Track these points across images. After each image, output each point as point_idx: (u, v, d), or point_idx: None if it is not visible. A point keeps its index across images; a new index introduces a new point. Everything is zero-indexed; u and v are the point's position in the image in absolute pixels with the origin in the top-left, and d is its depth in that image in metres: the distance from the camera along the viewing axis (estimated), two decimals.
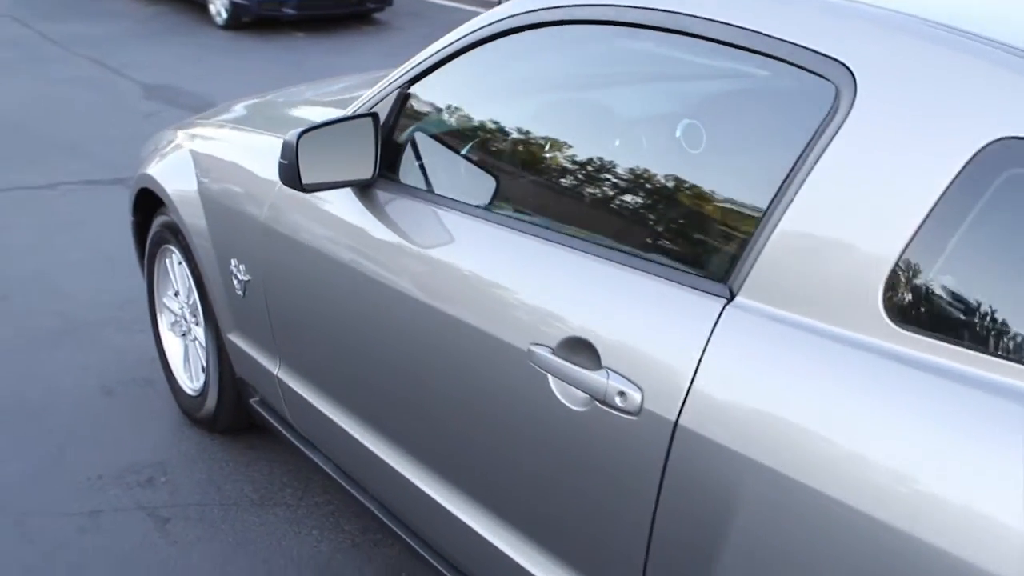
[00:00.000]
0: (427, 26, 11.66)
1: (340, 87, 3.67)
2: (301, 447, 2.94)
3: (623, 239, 1.95)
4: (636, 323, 1.78)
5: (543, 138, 2.28)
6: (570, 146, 2.21)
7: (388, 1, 12.23)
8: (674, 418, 1.67)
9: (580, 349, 1.84)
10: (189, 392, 3.58)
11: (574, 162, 2.18)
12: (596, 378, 1.79)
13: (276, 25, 11.67)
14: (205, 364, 3.41)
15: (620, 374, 1.76)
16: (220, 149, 3.17)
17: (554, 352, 1.88)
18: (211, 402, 3.40)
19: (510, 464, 2.06)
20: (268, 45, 10.88)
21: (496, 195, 2.29)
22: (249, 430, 3.50)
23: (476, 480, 2.19)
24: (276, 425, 3.07)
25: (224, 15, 11.66)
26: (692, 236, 1.88)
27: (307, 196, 2.61)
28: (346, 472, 2.76)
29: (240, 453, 3.45)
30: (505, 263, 2.08)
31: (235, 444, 3.50)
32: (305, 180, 2.36)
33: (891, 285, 1.50)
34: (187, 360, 3.63)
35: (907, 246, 1.49)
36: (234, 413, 3.39)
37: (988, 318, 1.43)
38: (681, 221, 1.91)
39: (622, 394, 1.74)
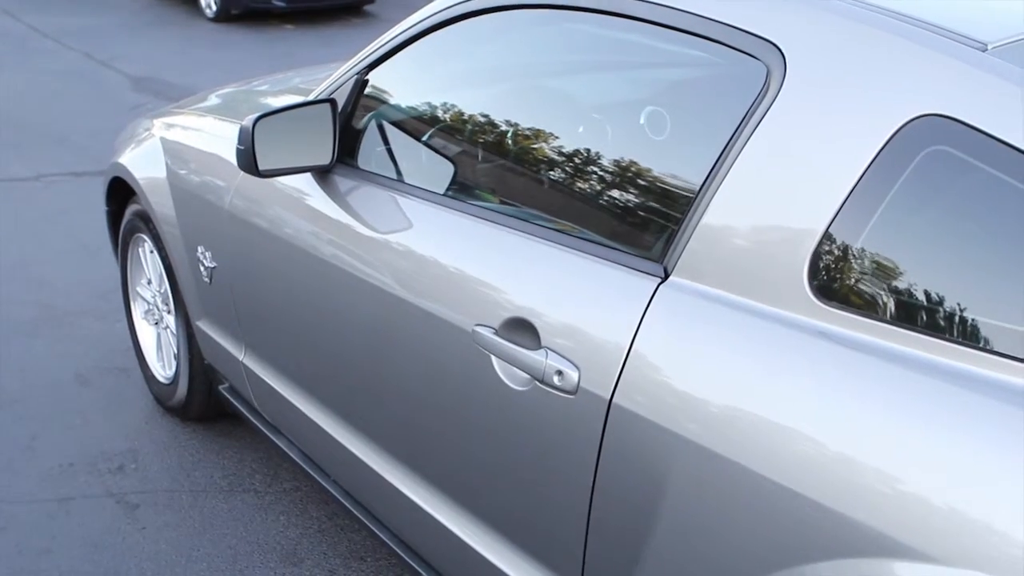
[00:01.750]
0: None
1: (328, 74, 3.67)
2: (268, 433, 2.96)
3: (564, 220, 1.97)
4: (574, 302, 1.80)
5: (488, 123, 2.30)
6: (512, 130, 2.22)
7: None
8: (608, 396, 1.69)
9: (521, 329, 1.85)
10: (161, 380, 3.59)
11: (517, 146, 2.20)
12: (536, 358, 1.81)
13: (266, 17, 11.66)
14: (176, 352, 3.42)
15: (558, 353, 1.78)
16: (189, 137, 3.19)
17: (497, 333, 1.90)
18: (182, 389, 3.42)
19: (459, 446, 2.08)
20: (258, 37, 10.87)
21: (446, 179, 2.31)
22: (221, 417, 3.52)
23: (428, 463, 2.21)
24: (244, 411, 3.08)
25: (214, 7, 11.64)
26: (629, 216, 1.90)
27: (268, 182, 2.63)
28: (310, 457, 2.78)
29: (211, 440, 3.47)
30: (454, 246, 2.09)
31: (207, 432, 3.52)
32: (261, 166, 2.38)
33: (815, 263, 1.52)
34: (160, 348, 3.65)
35: (830, 224, 1.51)
36: (204, 400, 3.41)
37: (909, 294, 1.45)
38: (619, 202, 1.92)
39: (560, 373, 1.76)
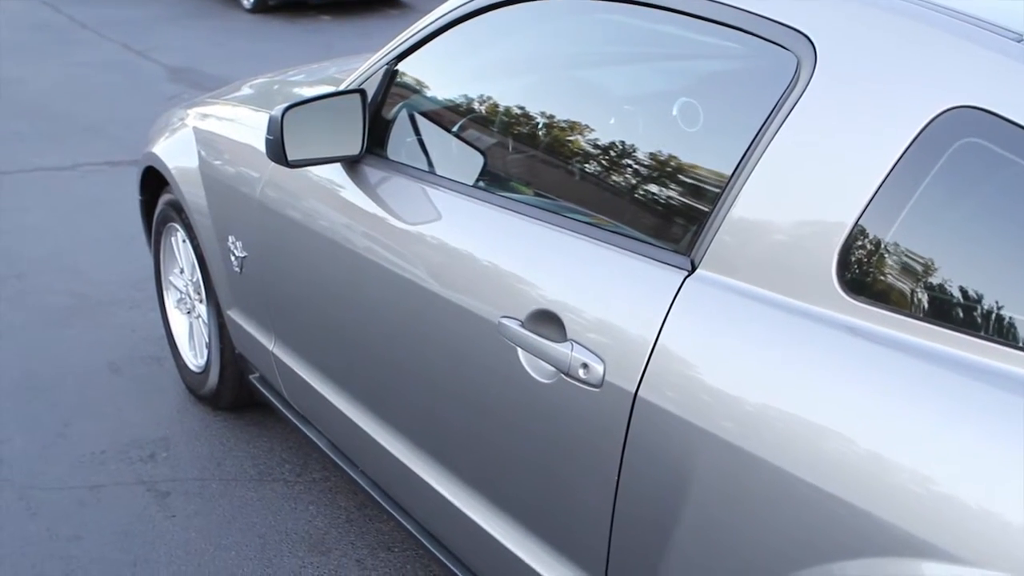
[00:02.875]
0: None
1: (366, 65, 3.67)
2: (297, 423, 2.96)
3: (592, 212, 1.95)
4: (601, 295, 1.79)
5: (518, 114, 2.29)
6: (542, 122, 2.21)
7: None
8: (634, 389, 1.67)
9: (547, 322, 1.84)
10: (193, 369, 3.61)
11: (545, 137, 2.18)
12: (562, 350, 1.79)
13: (303, 8, 11.70)
14: (208, 341, 3.44)
15: (584, 346, 1.76)
16: (221, 127, 3.20)
17: (523, 325, 1.88)
18: (213, 378, 3.44)
19: (485, 438, 2.07)
20: (295, 28, 10.91)
21: (475, 170, 2.30)
22: (252, 407, 3.53)
23: (454, 454, 2.21)
24: (273, 401, 3.09)
25: None
26: (657, 209, 1.88)
27: (299, 173, 2.63)
28: (338, 447, 2.78)
29: (242, 429, 3.48)
30: (481, 238, 2.09)
31: (238, 421, 3.53)
32: (290, 156, 2.38)
33: (844, 256, 1.49)
34: (192, 337, 3.67)
35: (860, 216, 1.48)
36: (235, 389, 3.42)
37: (939, 289, 1.43)
38: (647, 194, 1.91)
39: (585, 366, 1.75)
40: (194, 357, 3.65)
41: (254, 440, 3.43)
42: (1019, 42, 1.46)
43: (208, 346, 3.44)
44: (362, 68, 2.62)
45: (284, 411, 3.04)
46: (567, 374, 1.78)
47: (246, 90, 3.55)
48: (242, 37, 10.45)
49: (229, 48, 9.85)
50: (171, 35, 10.30)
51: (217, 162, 3.12)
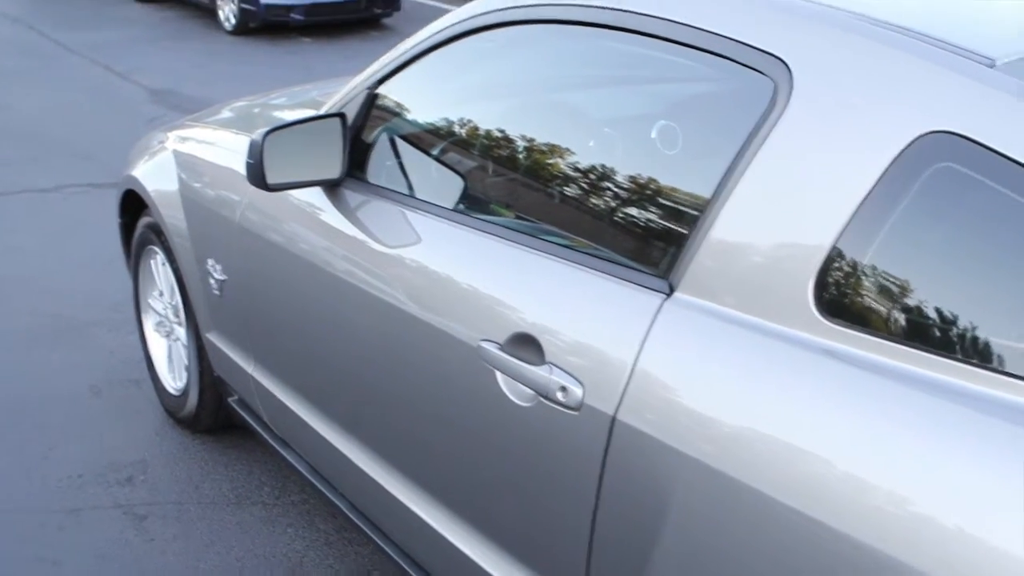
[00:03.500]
0: None
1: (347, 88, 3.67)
2: (276, 446, 2.95)
3: (570, 235, 1.96)
4: (579, 318, 1.79)
5: (498, 138, 2.29)
6: (522, 145, 2.21)
7: (396, 6, 12.25)
8: (612, 412, 1.67)
9: (526, 345, 1.85)
10: (172, 392, 3.60)
11: (525, 161, 2.19)
12: (540, 373, 1.80)
13: (284, 31, 11.72)
14: (187, 364, 3.42)
15: (563, 369, 1.77)
16: (202, 150, 3.19)
17: (502, 348, 1.89)
18: (192, 401, 3.42)
19: (464, 461, 2.07)
20: (276, 50, 10.92)
21: (455, 194, 2.31)
22: (231, 430, 3.52)
23: (434, 477, 2.20)
24: (252, 424, 3.08)
25: (232, 21, 11.72)
26: (635, 232, 1.89)
27: (280, 196, 2.63)
28: (317, 470, 2.77)
29: (221, 452, 3.47)
30: (461, 261, 2.09)
31: (217, 444, 3.52)
32: (270, 180, 2.38)
33: (821, 280, 1.50)
34: (171, 360, 3.65)
35: (837, 240, 1.49)
36: (214, 412, 3.41)
37: (916, 311, 1.43)
38: (625, 217, 1.91)
39: (564, 389, 1.75)
40: (173, 380, 3.63)
41: (232, 463, 3.42)
42: (991, 67, 1.48)
43: (187, 369, 3.43)
44: (343, 91, 2.62)
45: (263, 434, 3.03)
46: (546, 397, 1.79)
47: (226, 113, 3.55)
48: (223, 59, 10.46)
49: (210, 70, 9.86)
50: (152, 57, 10.31)
51: (197, 185, 3.12)
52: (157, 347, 3.70)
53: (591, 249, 1.89)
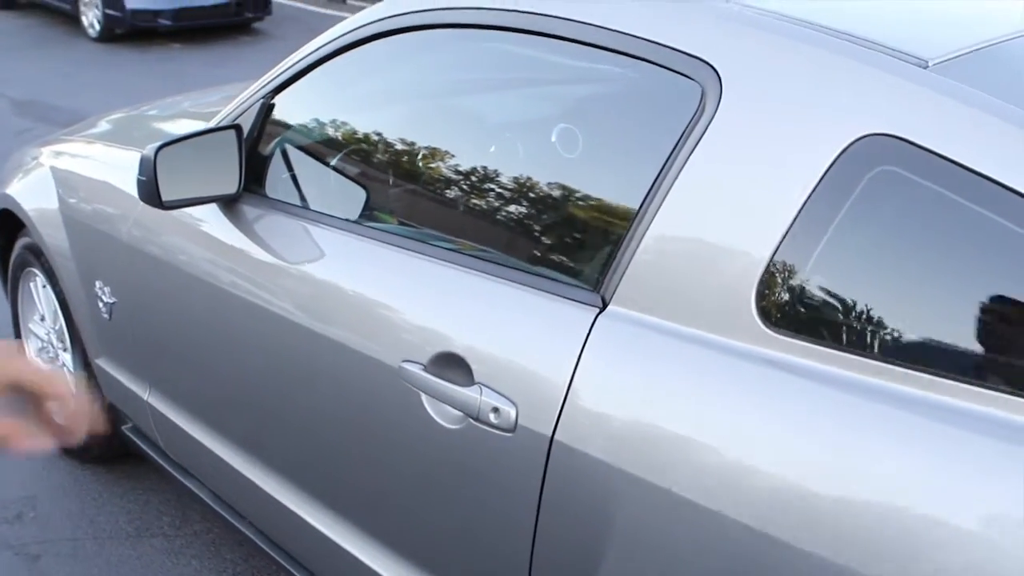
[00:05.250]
0: (307, 33, 11.37)
1: (219, 97, 3.54)
2: (176, 474, 2.82)
3: (495, 249, 1.89)
4: (508, 336, 1.72)
5: (409, 147, 2.21)
6: (437, 154, 2.14)
7: (267, 10, 12.00)
8: (550, 433, 1.61)
9: (452, 365, 1.77)
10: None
11: (442, 171, 2.11)
12: (469, 394, 1.72)
13: (152, 36, 11.36)
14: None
15: (494, 389, 1.70)
16: (82, 166, 3.03)
17: (426, 369, 1.81)
18: None
19: (387, 487, 1.98)
20: (145, 57, 10.59)
21: (364, 207, 2.22)
22: (123, 458, 3.35)
23: (353, 504, 2.11)
24: (149, 452, 2.94)
25: (97, 27, 11.31)
26: (564, 245, 1.83)
27: (170, 213, 2.50)
28: (221, 497, 2.65)
29: (114, 483, 3.31)
30: (374, 277, 2.00)
31: (109, 474, 3.35)
32: (165, 197, 2.26)
33: (764, 288, 1.46)
34: None
35: (778, 247, 1.45)
36: (106, 441, 3.24)
37: (860, 318, 1.41)
38: (552, 229, 1.85)
39: (496, 410, 1.68)
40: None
41: (128, 494, 3.26)
42: (925, 68, 1.45)
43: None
44: (236, 102, 2.50)
45: (160, 462, 2.89)
46: (476, 419, 1.71)
47: (103, 126, 3.38)
48: (90, 67, 10.09)
49: (77, 79, 9.50)
50: (14, 67, 9.89)
51: (79, 203, 2.96)
52: None
53: (517, 263, 1.82)
